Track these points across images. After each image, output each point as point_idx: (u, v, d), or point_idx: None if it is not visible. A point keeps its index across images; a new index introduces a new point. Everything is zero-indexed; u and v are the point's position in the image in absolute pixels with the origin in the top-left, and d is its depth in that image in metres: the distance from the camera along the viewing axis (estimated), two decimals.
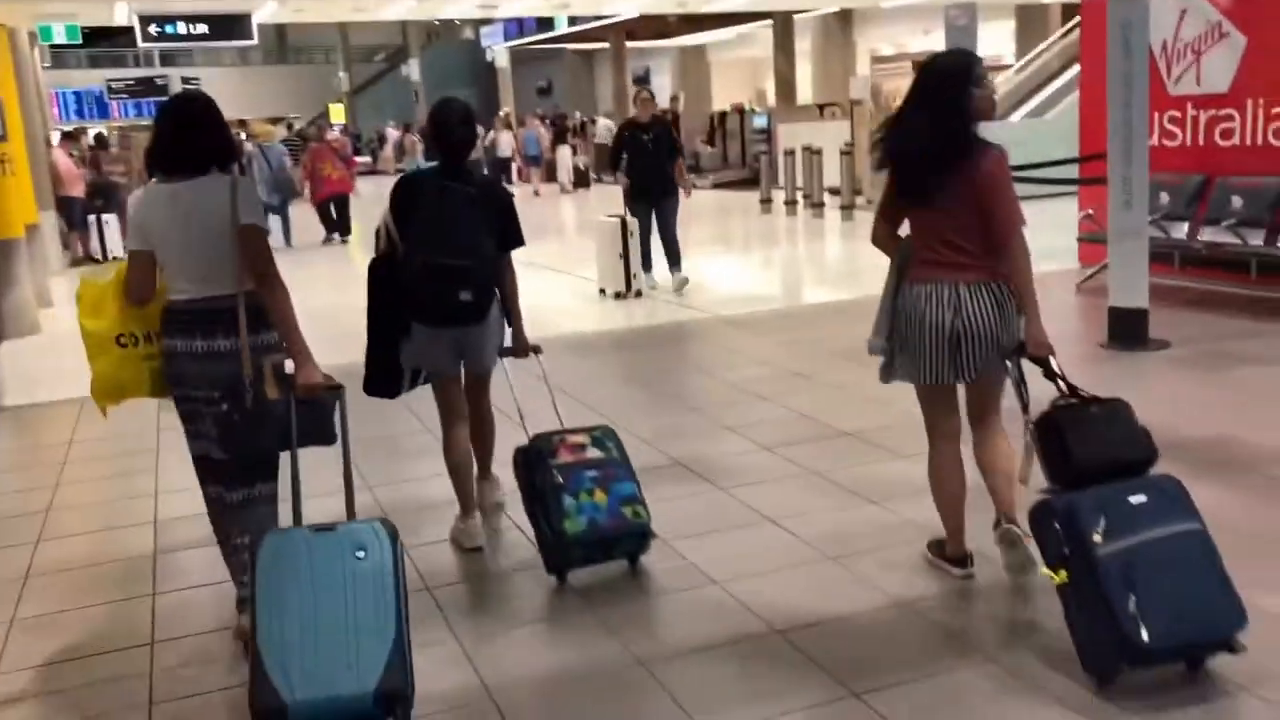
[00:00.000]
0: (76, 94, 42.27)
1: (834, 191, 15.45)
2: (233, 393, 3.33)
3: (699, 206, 15.07)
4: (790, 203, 16.30)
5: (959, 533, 3.69)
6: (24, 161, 10.84)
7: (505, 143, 24.05)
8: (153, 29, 12.06)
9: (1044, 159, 9.46)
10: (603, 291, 10.00)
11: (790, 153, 16.22)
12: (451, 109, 4.16)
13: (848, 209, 14.84)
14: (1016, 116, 17.26)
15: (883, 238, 3.66)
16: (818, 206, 15.56)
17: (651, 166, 9.68)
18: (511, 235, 4.14)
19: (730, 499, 4.59)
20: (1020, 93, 17.85)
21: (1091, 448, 3.12)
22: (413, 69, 38.77)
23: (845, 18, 28.61)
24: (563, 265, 11.83)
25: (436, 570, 4.05)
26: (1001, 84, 17.57)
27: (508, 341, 4.24)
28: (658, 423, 5.78)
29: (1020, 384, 3.44)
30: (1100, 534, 2.92)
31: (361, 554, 2.91)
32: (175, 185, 3.36)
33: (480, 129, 22.20)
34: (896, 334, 3.56)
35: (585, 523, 3.75)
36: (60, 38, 11.59)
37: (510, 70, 36.79)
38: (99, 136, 18.12)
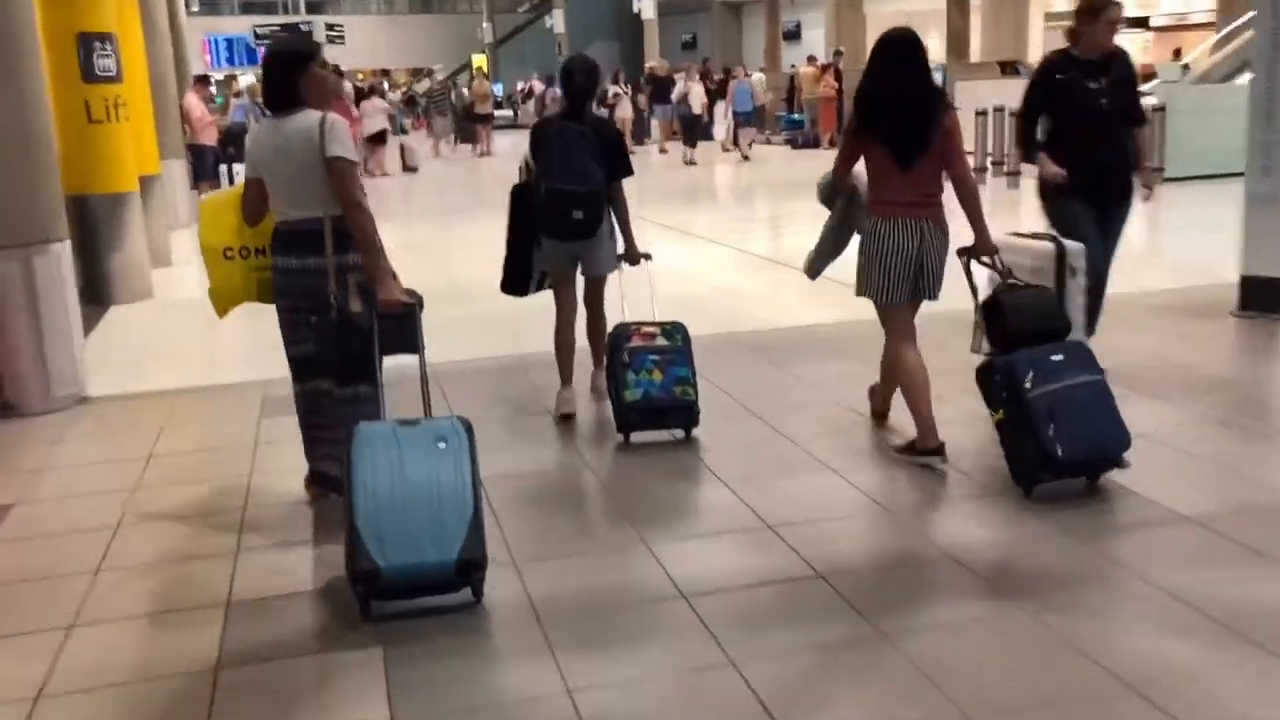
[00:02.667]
0: (228, 40, 42.48)
1: None
2: (323, 305, 3.76)
3: None
4: (979, 169, 14.46)
5: (930, 422, 4.32)
6: (146, 107, 10.03)
7: (697, 96, 20.75)
8: None
9: None
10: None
11: (982, 113, 14.41)
12: (576, 63, 5.13)
13: (1014, 175, 13.12)
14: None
15: (844, 178, 4.55)
16: (1013, 175, 13.76)
17: (1104, 138, 5.21)
18: (619, 166, 5.06)
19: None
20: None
21: (1024, 320, 4.12)
22: (557, 20, 37.77)
23: None
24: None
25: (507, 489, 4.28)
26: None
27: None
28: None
29: (969, 276, 4.40)
30: (1029, 382, 3.91)
31: (443, 444, 3.31)
32: (277, 120, 3.83)
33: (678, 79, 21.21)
34: (864, 257, 4.38)
35: (641, 394, 4.70)
36: None
37: (656, 23, 35.43)
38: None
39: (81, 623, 3.38)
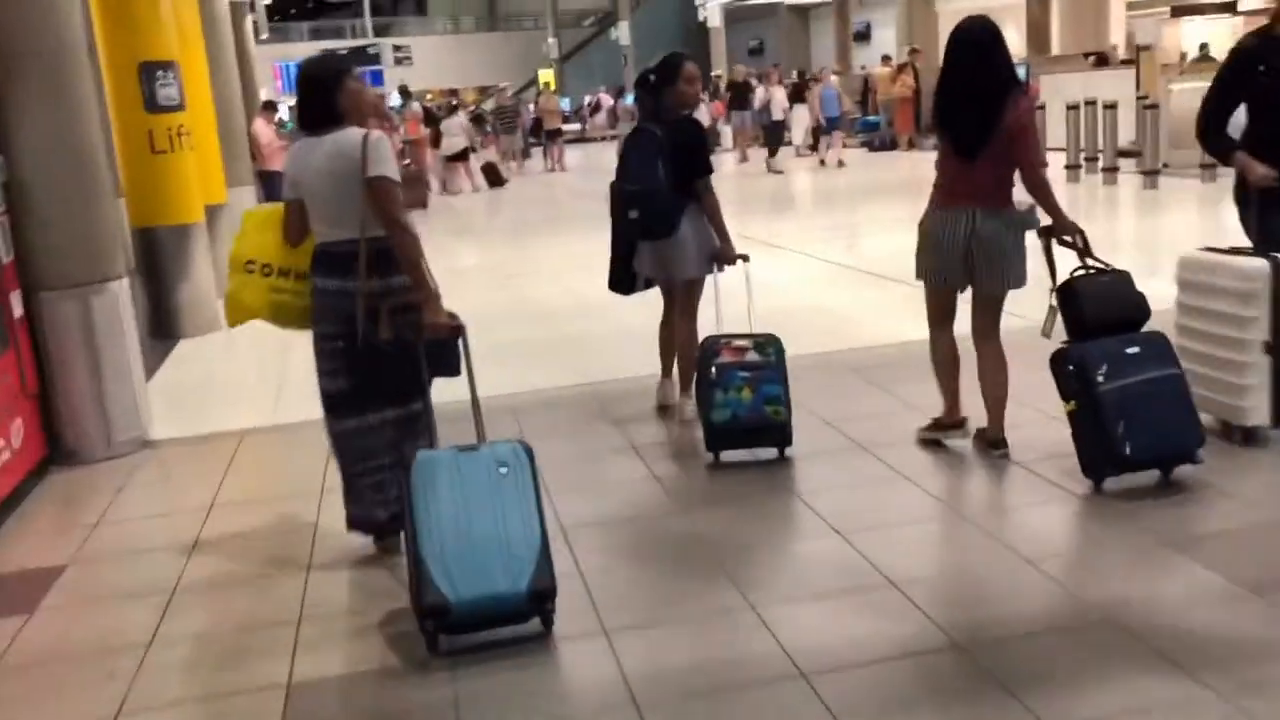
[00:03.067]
0: (299, 66, 43.07)
1: (1126, 154, 12.99)
2: (351, 329, 3.62)
3: None
4: (1072, 166, 13.76)
5: (955, 400, 4.46)
6: (212, 136, 9.86)
7: (779, 102, 19.56)
8: None
9: None
10: None
11: (1074, 107, 13.67)
12: (656, 65, 5.01)
13: (1151, 174, 12.31)
14: None
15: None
16: (1109, 171, 13.03)
17: None
18: (694, 166, 4.87)
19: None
20: None
21: (1101, 308, 4.01)
22: (622, 32, 37.59)
23: None
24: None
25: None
26: None
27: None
28: None
29: (1049, 258, 4.14)
30: (1102, 375, 3.85)
31: (504, 469, 3.22)
32: (317, 139, 3.68)
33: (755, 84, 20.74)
34: (919, 242, 4.36)
35: (729, 415, 4.45)
36: None
37: (723, 30, 35.00)
38: None
39: (126, 712, 3.03)
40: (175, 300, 8.10)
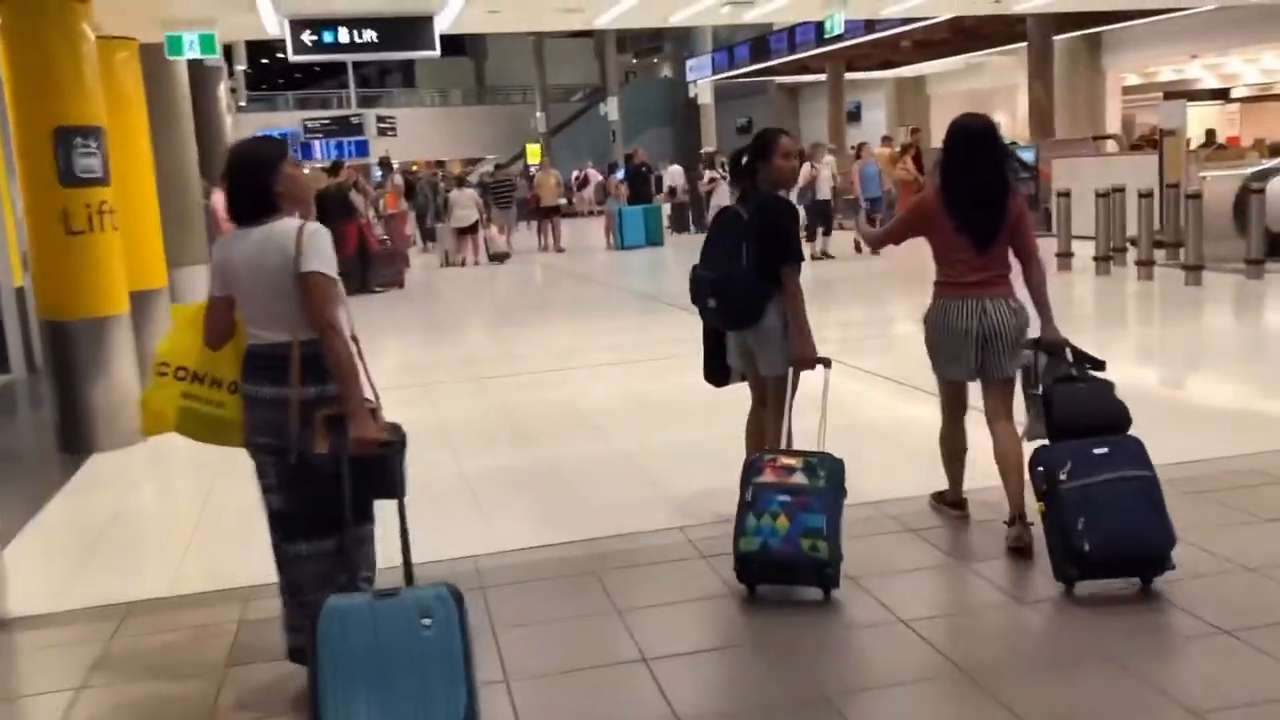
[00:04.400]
0: (282, 135, 42.16)
1: (1135, 243, 12.03)
2: (285, 442, 3.29)
3: None
4: (1102, 258, 12.64)
5: (959, 483, 4.65)
6: (150, 210, 8.69)
7: (825, 180, 16.98)
8: (307, 37, 9.65)
9: None
10: None
11: (1105, 195, 12.56)
12: (750, 143, 4.65)
13: (1194, 269, 11.20)
14: None
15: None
16: (1144, 265, 11.95)
17: None
18: (775, 251, 4.42)
19: None
20: None
21: (1072, 413, 4.01)
22: (611, 108, 37.10)
23: (1094, 42, 24.91)
24: None
25: None
26: None
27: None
28: None
29: (1035, 367, 4.34)
30: (1065, 474, 3.82)
31: (428, 621, 2.82)
32: (249, 230, 3.40)
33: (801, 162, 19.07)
34: (929, 336, 4.52)
35: (759, 544, 3.87)
36: (194, 52, 9.27)
37: (713, 107, 34.45)
38: None
39: None
40: (89, 406, 6.83)
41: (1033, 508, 4.02)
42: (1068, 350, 4.22)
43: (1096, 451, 3.83)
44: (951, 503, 4.66)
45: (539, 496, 5.42)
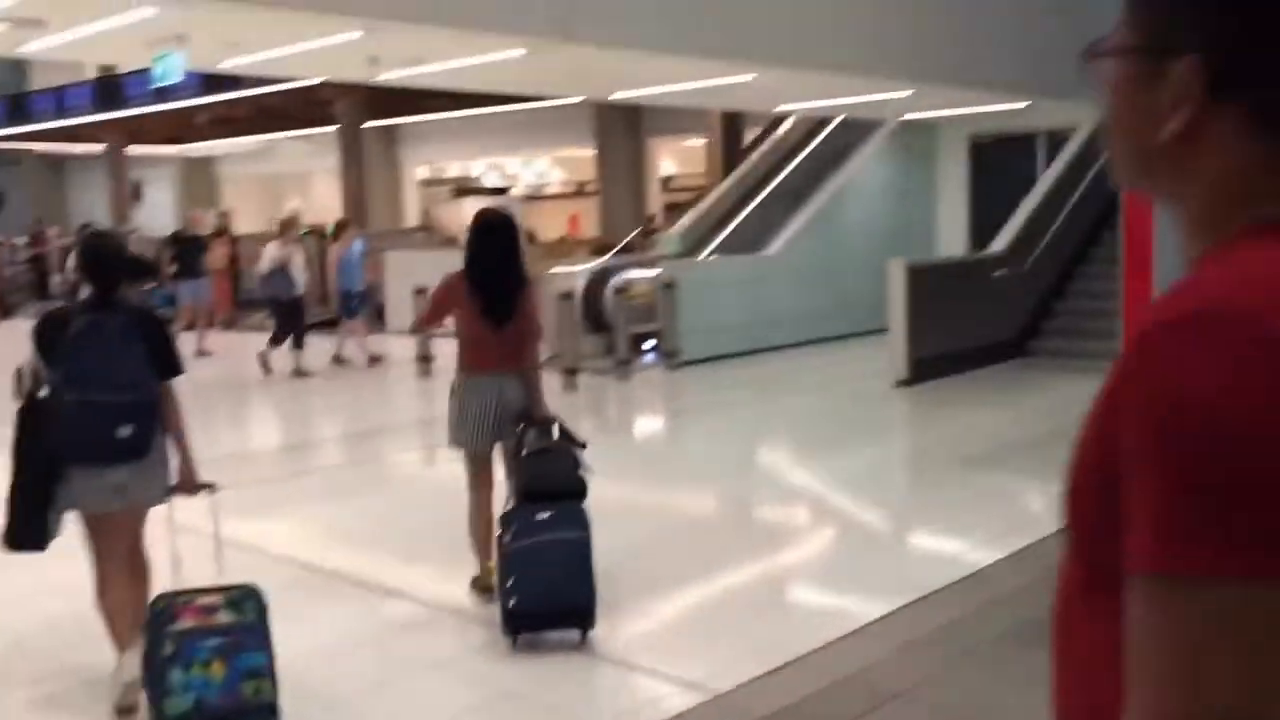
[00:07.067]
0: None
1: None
2: None
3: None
4: (571, 370, 11.01)
5: (489, 554, 4.71)
6: None
7: (299, 266, 12.33)
8: None
9: None
10: None
11: (569, 296, 11.25)
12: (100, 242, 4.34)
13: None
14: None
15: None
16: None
17: None
18: (170, 363, 4.05)
19: None
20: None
21: (532, 479, 4.45)
22: None
23: (390, 134, 25.26)
24: None
25: None
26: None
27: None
28: None
29: (521, 439, 4.65)
30: (510, 535, 4.27)
31: None
32: None
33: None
34: (455, 411, 4.84)
35: (191, 701, 3.49)
36: None
37: None
38: None
39: None
40: None
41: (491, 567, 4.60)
42: (555, 426, 4.66)
43: (540, 516, 4.28)
44: (484, 587, 4.75)
45: None
